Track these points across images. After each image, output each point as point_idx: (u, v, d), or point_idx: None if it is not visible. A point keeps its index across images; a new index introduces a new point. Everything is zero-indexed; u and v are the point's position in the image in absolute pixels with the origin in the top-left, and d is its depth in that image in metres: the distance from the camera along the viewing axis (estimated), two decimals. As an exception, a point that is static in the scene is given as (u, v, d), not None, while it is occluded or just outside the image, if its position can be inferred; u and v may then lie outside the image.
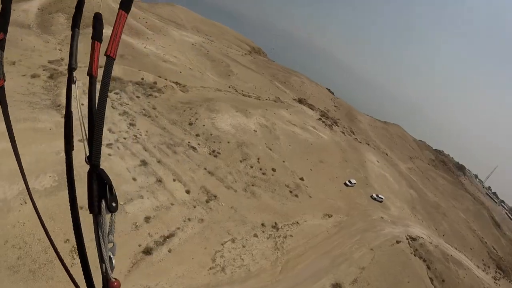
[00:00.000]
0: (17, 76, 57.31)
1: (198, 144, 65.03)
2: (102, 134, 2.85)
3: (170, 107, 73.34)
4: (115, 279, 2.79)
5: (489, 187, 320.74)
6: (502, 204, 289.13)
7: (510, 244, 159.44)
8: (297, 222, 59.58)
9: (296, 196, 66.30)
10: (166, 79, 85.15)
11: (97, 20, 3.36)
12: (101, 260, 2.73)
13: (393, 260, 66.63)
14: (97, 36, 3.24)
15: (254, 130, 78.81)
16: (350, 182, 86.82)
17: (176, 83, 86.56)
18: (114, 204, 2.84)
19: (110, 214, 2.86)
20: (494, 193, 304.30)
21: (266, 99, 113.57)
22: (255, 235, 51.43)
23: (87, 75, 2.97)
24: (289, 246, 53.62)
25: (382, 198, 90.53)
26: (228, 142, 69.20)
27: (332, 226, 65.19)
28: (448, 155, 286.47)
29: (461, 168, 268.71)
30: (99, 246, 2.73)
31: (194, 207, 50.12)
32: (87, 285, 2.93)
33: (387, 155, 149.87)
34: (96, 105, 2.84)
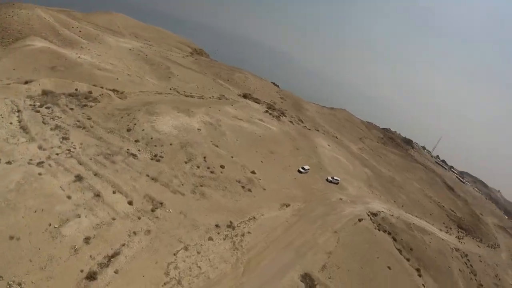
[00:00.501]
0: None
1: (138, 150, 59.92)
2: None
3: (106, 115, 67.84)
4: None
5: (437, 156, 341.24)
6: (452, 169, 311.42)
7: (465, 204, 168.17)
8: (254, 217, 55.90)
9: (249, 190, 62.65)
10: (102, 87, 79.90)
11: None
12: None
13: (358, 239, 65.28)
14: None
15: (198, 129, 74.62)
16: (303, 168, 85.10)
17: (113, 90, 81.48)
18: None
19: None
20: (443, 161, 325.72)
21: (210, 98, 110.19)
22: (210, 238, 47.07)
23: None
24: (249, 244, 49.76)
25: (338, 180, 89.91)
26: (171, 144, 64.47)
27: (291, 216, 62.26)
28: (395, 131, 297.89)
29: (408, 142, 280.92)
30: None
31: (139, 218, 45.10)
32: None
33: (337, 138, 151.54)
34: None
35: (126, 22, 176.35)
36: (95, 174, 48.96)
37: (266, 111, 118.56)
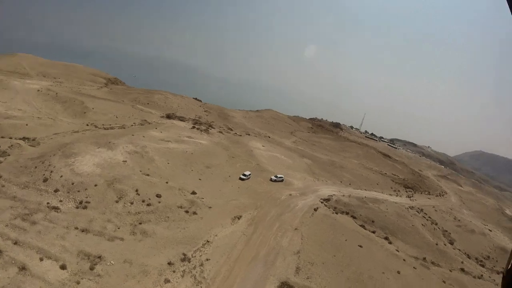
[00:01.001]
0: None
1: (60, 201, 50.50)
2: None
3: (18, 169, 57.20)
4: None
5: (366, 131, 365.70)
6: (382, 139, 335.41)
7: (404, 166, 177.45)
8: (208, 241, 49.84)
9: (195, 213, 56.40)
10: (10, 138, 69.73)
11: None
12: None
13: (321, 228, 62.82)
14: None
15: (124, 161, 66.86)
16: (244, 175, 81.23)
17: (24, 138, 71.75)
18: None
19: None
20: (372, 134, 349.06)
21: (132, 125, 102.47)
22: (167, 281, 40.08)
23: None
24: (212, 272, 43.65)
25: (282, 177, 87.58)
26: (96, 185, 55.82)
27: (247, 226, 57.34)
28: (322, 119, 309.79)
29: (336, 125, 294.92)
30: None
31: (78, 283, 36.57)
32: None
33: (269, 137, 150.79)
34: None
35: (33, 61, 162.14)
36: (15, 243, 39.56)
37: (193, 127, 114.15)
